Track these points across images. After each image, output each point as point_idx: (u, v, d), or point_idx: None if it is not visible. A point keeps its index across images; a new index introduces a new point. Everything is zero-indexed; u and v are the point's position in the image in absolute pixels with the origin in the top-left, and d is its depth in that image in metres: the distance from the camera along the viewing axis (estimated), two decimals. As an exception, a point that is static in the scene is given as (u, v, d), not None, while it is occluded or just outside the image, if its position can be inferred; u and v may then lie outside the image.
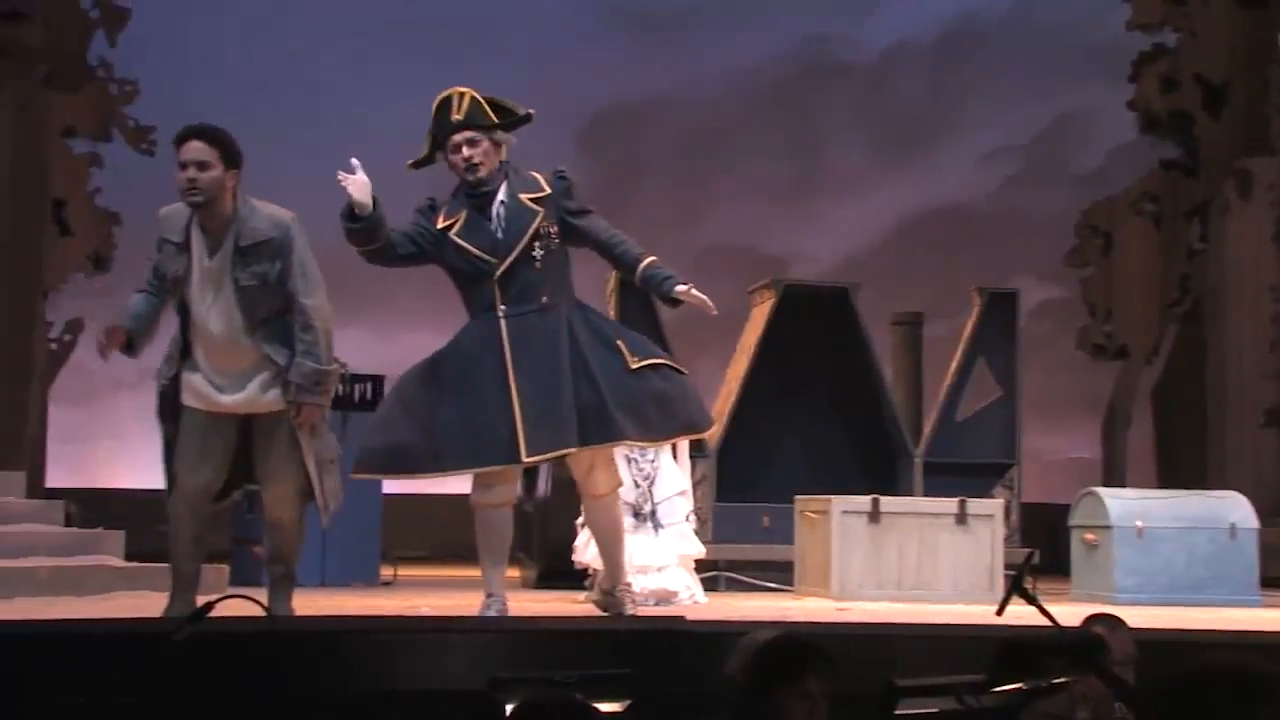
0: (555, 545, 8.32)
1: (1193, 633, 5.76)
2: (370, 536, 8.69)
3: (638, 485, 7.44)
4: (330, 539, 8.15)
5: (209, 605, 3.80)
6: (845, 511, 7.86)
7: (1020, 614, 4.19)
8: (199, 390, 5.28)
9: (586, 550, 7.44)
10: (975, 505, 8.03)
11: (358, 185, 5.32)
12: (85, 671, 4.29)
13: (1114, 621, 4.31)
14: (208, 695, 4.29)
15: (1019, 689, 3.32)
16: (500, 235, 5.54)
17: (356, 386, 8.76)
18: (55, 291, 13.02)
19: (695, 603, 7.29)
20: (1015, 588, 3.93)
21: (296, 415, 5.25)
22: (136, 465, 12.84)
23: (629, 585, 6.07)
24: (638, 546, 7.35)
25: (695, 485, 8.50)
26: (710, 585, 8.04)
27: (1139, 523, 8.05)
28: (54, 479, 12.90)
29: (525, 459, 5.46)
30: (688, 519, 7.59)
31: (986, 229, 16.78)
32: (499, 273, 5.51)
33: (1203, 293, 13.71)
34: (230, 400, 5.26)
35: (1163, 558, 8.01)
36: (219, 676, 4.31)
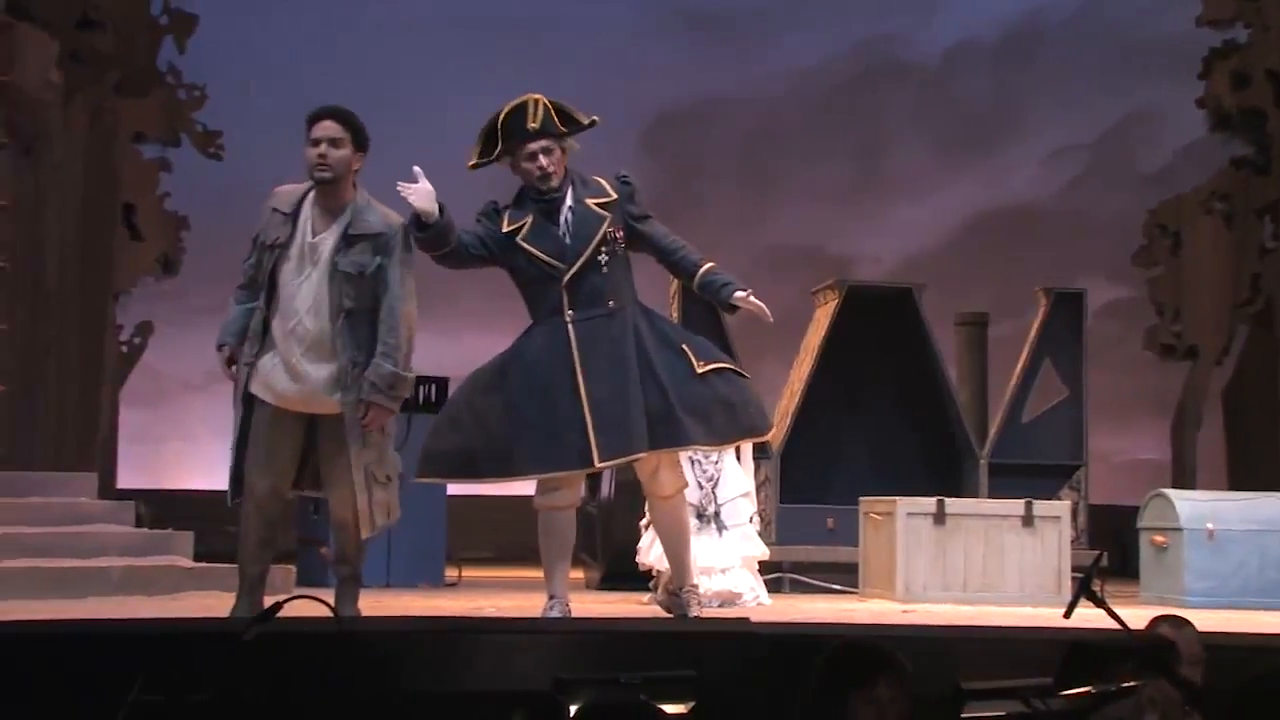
0: (619, 547, 8.33)
1: (1264, 636, 5.68)
2: (435, 538, 8.73)
3: (701, 487, 7.44)
4: (395, 540, 8.20)
5: (277, 605, 3.84)
6: (910, 513, 7.82)
7: (1088, 617, 4.15)
8: (267, 379, 5.31)
9: (650, 552, 7.44)
10: (1042, 507, 7.96)
11: (421, 194, 5.35)
12: (158, 670, 4.35)
13: (1180, 622, 4.26)
14: (276, 695, 4.33)
15: (1087, 693, 3.29)
16: (568, 240, 5.55)
17: (421, 388, 8.81)
18: (125, 294, 13.20)
19: (759, 605, 7.28)
20: (1083, 590, 3.90)
21: (363, 415, 5.27)
22: (205, 466, 12.99)
23: (695, 586, 6.07)
24: (701, 548, 7.35)
25: (759, 487, 8.49)
26: (774, 587, 8.02)
27: (1210, 525, 7.96)
28: (124, 480, 13.08)
29: (598, 464, 5.48)
30: (751, 520, 7.57)
31: (1052, 228, 16.64)
32: (567, 278, 5.52)
33: (1274, 291, 13.53)
34: (295, 391, 5.28)
35: (1234, 561, 7.90)
36: (287, 676, 4.35)
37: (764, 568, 7.71)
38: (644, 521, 7.61)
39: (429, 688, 4.73)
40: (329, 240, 5.30)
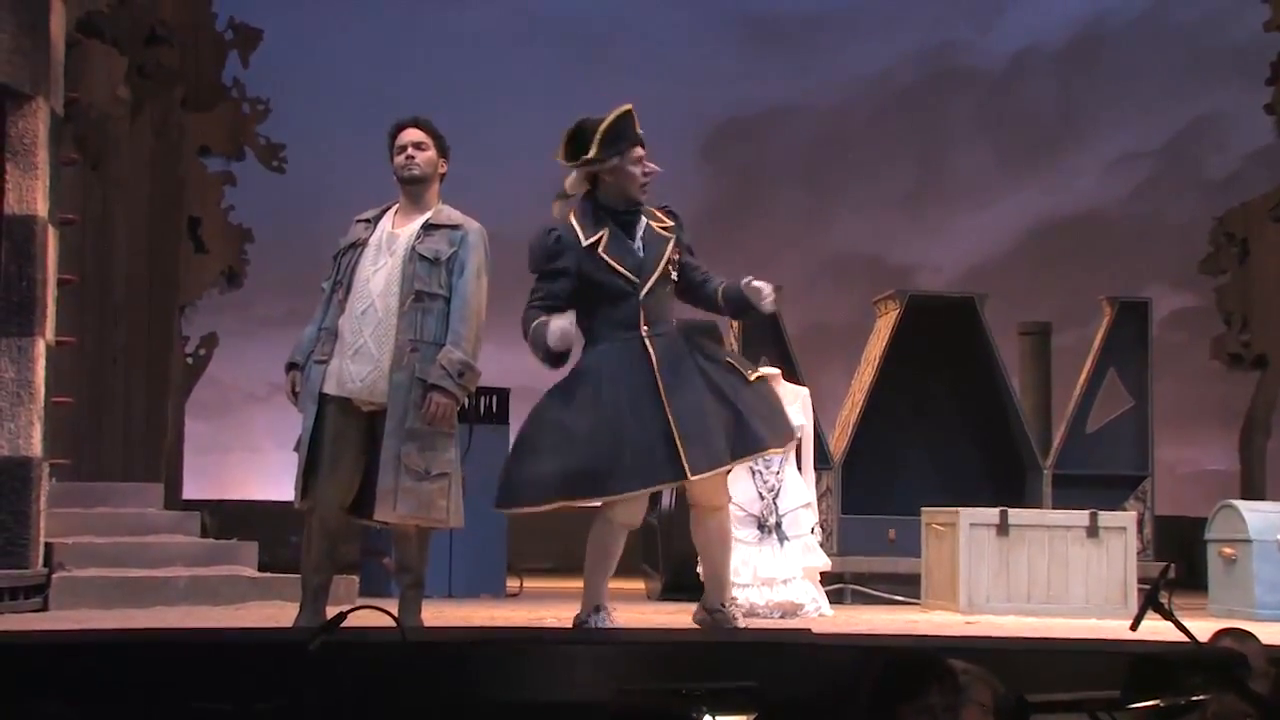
0: (680, 558, 8.32)
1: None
2: (496, 549, 8.77)
3: (762, 497, 7.42)
4: (456, 552, 8.25)
5: (341, 616, 3.87)
6: (973, 524, 7.77)
7: (1156, 629, 4.11)
8: (339, 375, 5.35)
9: (711, 562, 7.44)
10: (1107, 518, 7.88)
11: (565, 338, 5.40)
12: (225, 679, 4.39)
13: (1244, 635, 4.20)
14: (340, 705, 4.36)
15: (1154, 706, 3.25)
16: (641, 255, 5.57)
17: (482, 399, 8.85)
18: (191, 306, 13.36)
19: (821, 615, 7.26)
20: (1151, 602, 3.85)
21: (424, 402, 5.25)
22: (269, 477, 13.13)
23: (734, 599, 6.00)
24: (763, 559, 7.34)
25: (820, 497, 8.46)
26: (836, 598, 7.99)
27: (1279, 536, 7.85)
28: (190, 491, 13.23)
29: (691, 477, 5.48)
30: (813, 531, 7.55)
31: (1117, 236, 16.49)
32: (644, 293, 5.55)
33: (1344, 300, 13.34)
34: (362, 376, 5.30)
35: (1304, 573, 7.79)
36: (350, 686, 4.38)
37: (826, 579, 7.68)
38: (705, 532, 7.61)
39: (492, 698, 4.75)
40: (409, 231, 5.42)
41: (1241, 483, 13.75)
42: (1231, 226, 13.94)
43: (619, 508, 5.55)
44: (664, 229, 5.64)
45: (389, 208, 5.54)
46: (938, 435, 9.69)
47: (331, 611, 4.40)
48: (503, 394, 9.00)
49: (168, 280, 12.68)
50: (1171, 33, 16.46)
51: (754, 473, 7.43)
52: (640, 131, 5.56)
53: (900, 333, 9.42)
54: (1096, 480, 9.40)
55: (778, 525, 7.41)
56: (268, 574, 7.16)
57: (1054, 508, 8.88)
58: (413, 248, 5.36)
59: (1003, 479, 9.48)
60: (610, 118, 5.55)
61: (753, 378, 5.64)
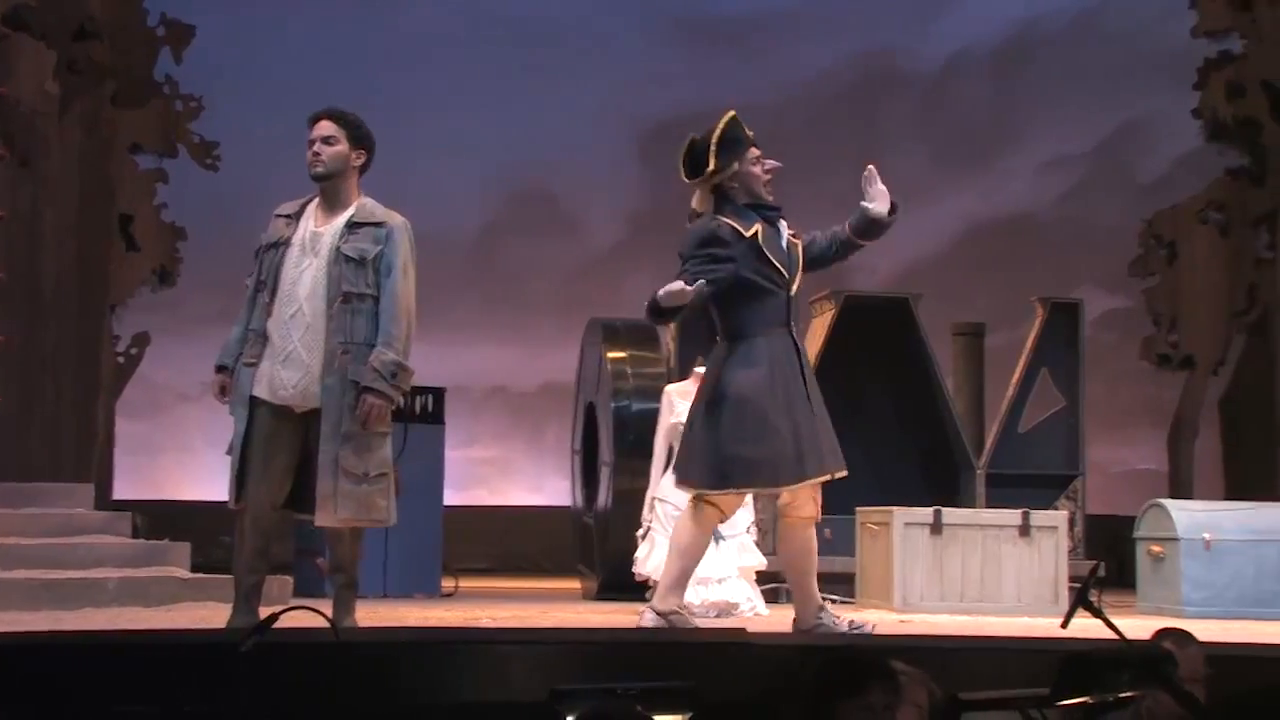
0: (616, 557, 8.33)
1: (1264, 647, 5.67)
2: (431, 549, 8.74)
3: (698, 497, 7.43)
4: (392, 551, 8.21)
5: (274, 617, 3.84)
6: (907, 523, 7.83)
7: (1085, 627, 4.15)
8: (269, 380, 5.29)
9: (647, 562, 7.44)
10: (1039, 517, 7.96)
11: (672, 295, 5.41)
12: (155, 681, 4.34)
13: (1184, 638, 4.25)
14: (273, 706, 4.33)
15: (1084, 703, 3.29)
16: (787, 253, 5.65)
17: (417, 399, 8.81)
18: (122, 305, 13.19)
19: (757, 614, 7.28)
20: (1080, 600, 3.89)
21: (358, 404, 5.19)
22: (202, 477, 12.98)
23: (825, 605, 5.95)
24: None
25: (756, 497, 8.48)
26: (772, 597, 8.02)
27: (1206, 535, 7.95)
28: (121, 491, 13.06)
29: (844, 472, 5.67)
30: (749, 530, 7.57)
31: (1049, 238, 16.65)
32: (793, 289, 5.66)
33: (1270, 302, 13.54)
34: (294, 381, 5.24)
35: (1231, 571, 7.90)
36: (283, 687, 4.34)
37: (761, 578, 7.71)
38: (640, 532, 7.61)
39: (426, 699, 4.73)
40: (332, 230, 5.32)
41: (1170, 482, 13.92)
42: (1160, 229, 14.12)
43: (718, 498, 5.58)
44: (792, 235, 5.79)
45: (309, 201, 5.41)
46: (872, 434, 9.74)
47: (265, 612, 4.36)
48: (438, 393, 8.97)
49: (98, 279, 12.52)
50: (1102, 38, 16.63)
51: (690, 473, 7.44)
52: (750, 133, 5.61)
53: (835, 332, 9.46)
54: (1029, 480, 9.48)
55: (713, 525, 7.41)
56: (200, 575, 7.09)
57: (987, 507, 8.95)
58: (338, 248, 5.26)
59: (936, 478, 9.54)
60: (719, 128, 5.71)
61: None
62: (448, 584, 8.97)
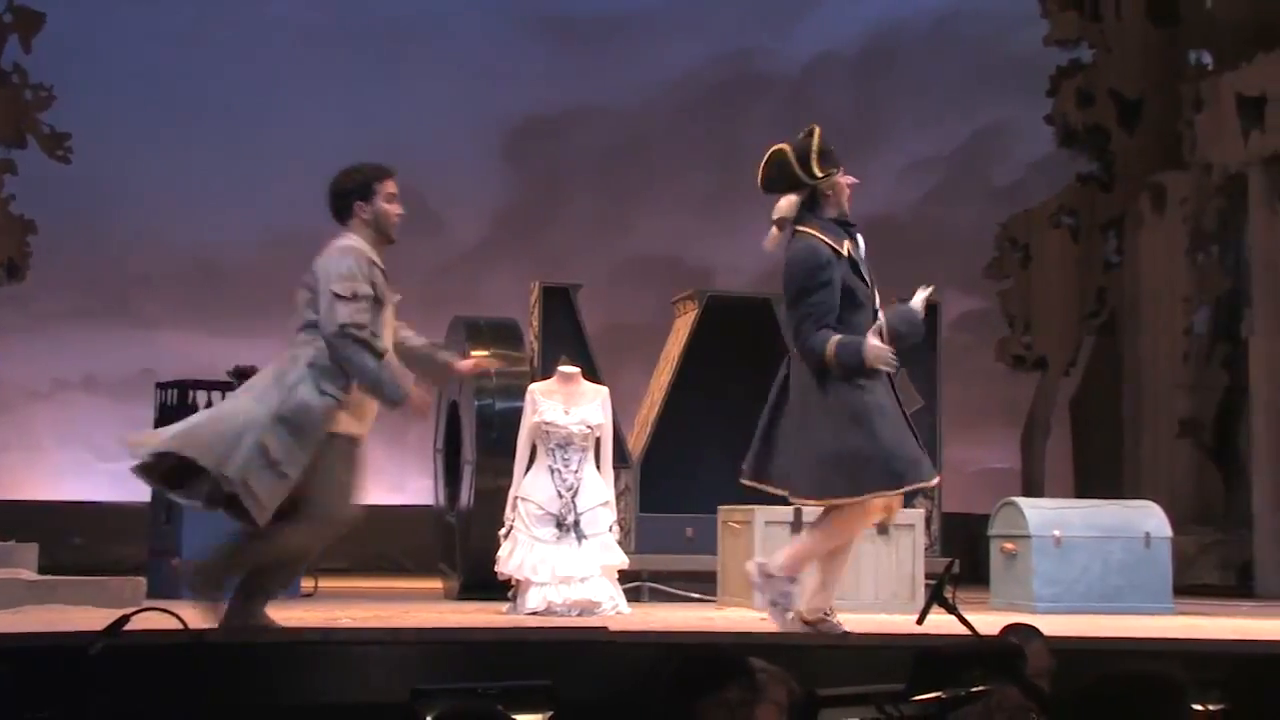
0: (477, 556, 8.29)
1: (1107, 641, 5.84)
2: (291, 548, 8.60)
3: (561, 496, 7.43)
4: (250, 551, 8.05)
5: (125, 618, 3.76)
6: (768, 522, 7.90)
7: (941, 623, 4.23)
8: (361, 413, 5.42)
9: (509, 561, 7.42)
10: (896, 515, 8.07)
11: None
12: (-3, 687, 4.22)
13: (1031, 632, 4.36)
14: (127, 710, 4.24)
15: (937, 698, 3.35)
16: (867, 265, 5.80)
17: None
18: (-32, 300, 12.81)
19: (618, 613, 7.30)
20: (936, 597, 3.97)
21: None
22: (50, 477, 12.63)
23: (833, 609, 6.05)
24: (561, 557, 7.35)
25: (618, 496, 8.50)
26: (634, 596, 8.04)
27: (1057, 532, 8.15)
28: (-35, 491, 12.67)
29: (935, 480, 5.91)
30: (611, 529, 7.58)
31: (908, 240, 16.93)
32: (877, 301, 5.78)
33: (1119, 305, 13.93)
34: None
35: (1079, 567, 8.10)
36: (138, 691, 4.25)
37: (623, 577, 7.72)
38: (503, 531, 7.58)
39: (286, 700, 4.66)
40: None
41: (1023, 480, 14.25)
42: (1014, 232, 14.45)
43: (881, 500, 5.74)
44: None
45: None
46: (735, 434, 9.79)
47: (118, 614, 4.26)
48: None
49: (-58, 272, 12.15)
50: (960, 44, 16.95)
51: (553, 471, 7.44)
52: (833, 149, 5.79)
53: (698, 332, 9.52)
54: (886, 478, 9.60)
55: (576, 523, 7.42)
56: (48, 576, 6.92)
57: (845, 505, 9.05)
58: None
59: (797, 477, 9.62)
60: (817, 138, 5.79)
61: None
62: (307, 584, 8.84)
